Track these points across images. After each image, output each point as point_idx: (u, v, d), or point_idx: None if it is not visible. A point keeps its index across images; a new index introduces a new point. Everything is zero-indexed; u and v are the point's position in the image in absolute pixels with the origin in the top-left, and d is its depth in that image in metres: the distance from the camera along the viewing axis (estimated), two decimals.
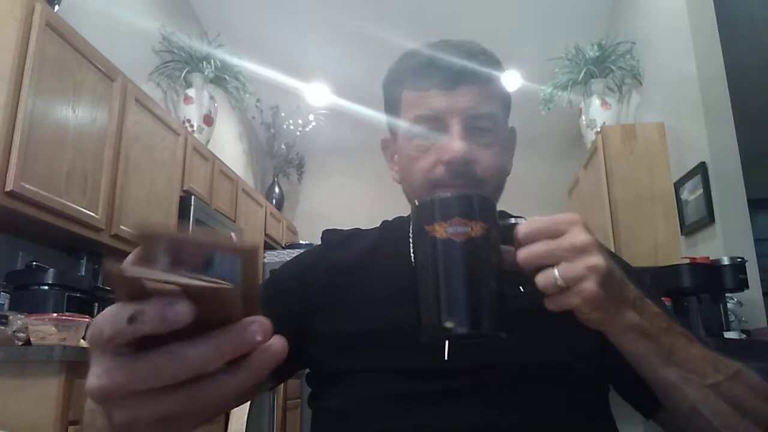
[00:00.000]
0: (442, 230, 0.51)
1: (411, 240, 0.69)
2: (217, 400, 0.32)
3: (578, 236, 0.51)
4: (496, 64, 0.75)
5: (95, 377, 0.31)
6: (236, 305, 0.30)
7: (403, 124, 0.75)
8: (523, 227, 0.52)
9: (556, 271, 0.50)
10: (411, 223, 0.55)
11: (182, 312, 0.28)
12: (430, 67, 0.72)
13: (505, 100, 0.76)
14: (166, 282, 0.29)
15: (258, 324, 0.31)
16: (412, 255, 0.76)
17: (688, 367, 0.56)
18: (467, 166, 0.70)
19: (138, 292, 0.29)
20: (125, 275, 0.29)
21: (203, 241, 0.31)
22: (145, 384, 0.30)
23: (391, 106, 0.79)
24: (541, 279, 0.50)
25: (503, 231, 0.53)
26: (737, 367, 0.59)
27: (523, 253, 0.51)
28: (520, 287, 0.53)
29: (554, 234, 0.51)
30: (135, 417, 0.31)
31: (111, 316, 0.30)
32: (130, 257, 0.32)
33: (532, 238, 0.51)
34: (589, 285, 0.49)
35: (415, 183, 0.74)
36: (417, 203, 0.55)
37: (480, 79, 0.71)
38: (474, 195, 0.55)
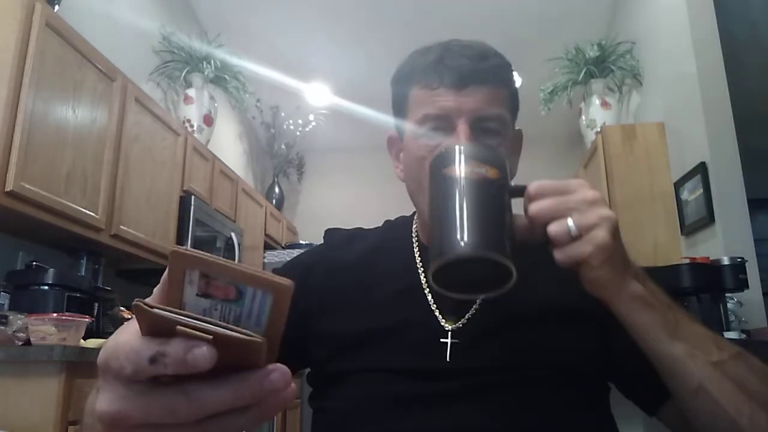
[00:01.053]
0: (459, 171, 0.53)
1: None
2: None
3: (587, 192, 0.53)
4: (507, 65, 0.74)
5: (107, 402, 0.30)
6: (261, 355, 0.30)
7: (409, 122, 0.74)
8: (534, 185, 0.53)
9: (569, 220, 0.51)
10: (429, 175, 0.57)
11: (204, 358, 0.28)
12: (439, 66, 0.70)
13: (514, 103, 0.75)
14: (195, 328, 0.28)
15: (279, 372, 0.31)
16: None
17: (693, 343, 0.56)
18: None
19: (162, 328, 0.29)
20: (153, 313, 0.29)
21: (239, 271, 0.30)
22: (159, 419, 0.30)
23: (399, 104, 0.77)
24: (554, 227, 0.51)
25: (514, 193, 0.55)
26: (738, 349, 0.59)
27: (535, 206, 0.52)
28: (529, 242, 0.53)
29: (564, 192, 0.53)
30: None
31: (133, 353, 0.29)
32: (157, 288, 0.33)
33: (543, 195, 0.53)
34: (602, 233, 0.51)
35: (419, 182, 0.71)
36: (437, 154, 0.57)
37: (490, 80, 0.70)
38: (491, 148, 0.59)
